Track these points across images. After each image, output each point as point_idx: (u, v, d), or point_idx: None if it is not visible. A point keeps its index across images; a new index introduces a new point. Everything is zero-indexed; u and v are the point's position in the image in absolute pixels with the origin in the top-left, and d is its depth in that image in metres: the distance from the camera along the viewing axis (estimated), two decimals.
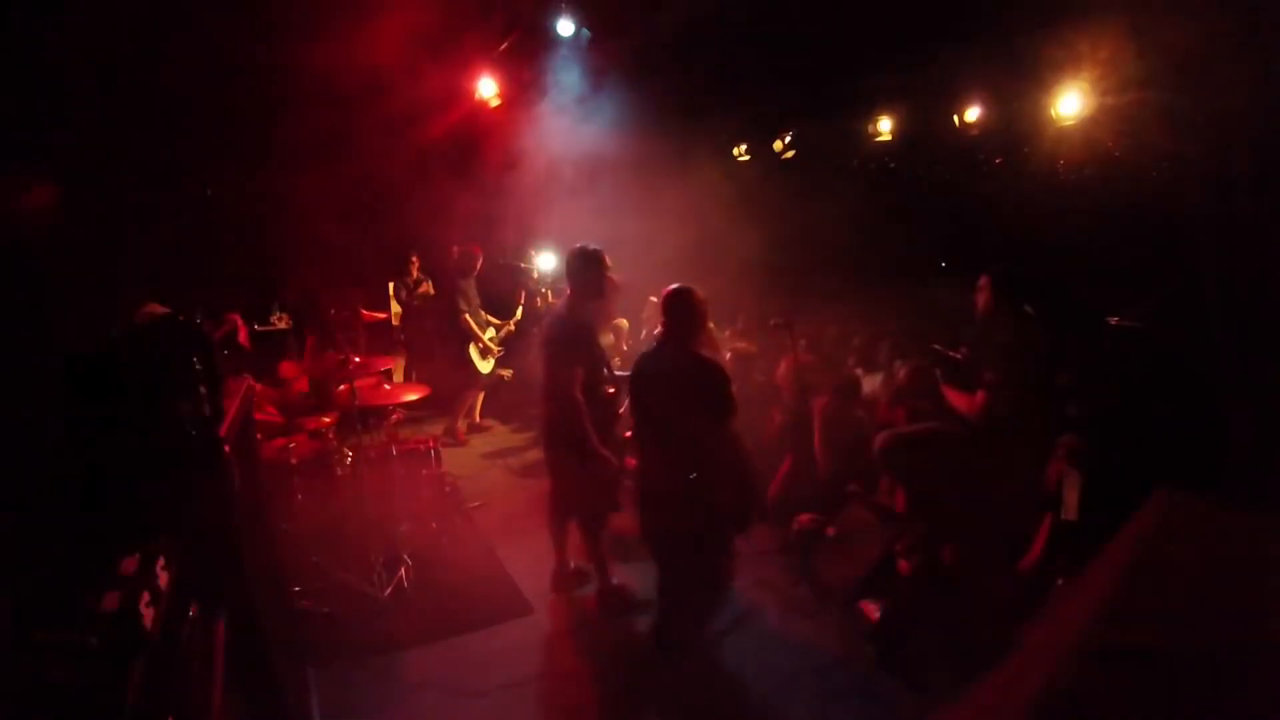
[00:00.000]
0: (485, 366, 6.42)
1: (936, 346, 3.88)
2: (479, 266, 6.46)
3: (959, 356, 3.78)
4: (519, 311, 6.78)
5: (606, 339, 6.27)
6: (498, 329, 6.59)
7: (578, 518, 3.73)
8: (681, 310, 3.17)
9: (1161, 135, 4.69)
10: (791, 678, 3.16)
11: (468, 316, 6.30)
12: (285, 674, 2.51)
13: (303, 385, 4.74)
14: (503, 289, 6.88)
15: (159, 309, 3.28)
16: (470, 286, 6.42)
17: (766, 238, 6.72)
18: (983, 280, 3.69)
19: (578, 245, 3.50)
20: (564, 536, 3.86)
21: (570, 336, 3.43)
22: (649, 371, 3.21)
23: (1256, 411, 3.06)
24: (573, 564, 3.90)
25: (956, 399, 3.61)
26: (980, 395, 3.47)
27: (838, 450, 4.20)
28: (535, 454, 5.78)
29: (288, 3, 4.64)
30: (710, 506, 3.08)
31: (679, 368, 3.10)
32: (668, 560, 3.29)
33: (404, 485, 4.25)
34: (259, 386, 4.21)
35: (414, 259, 7.60)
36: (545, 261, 6.95)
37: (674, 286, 3.19)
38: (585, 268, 3.47)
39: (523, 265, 7.04)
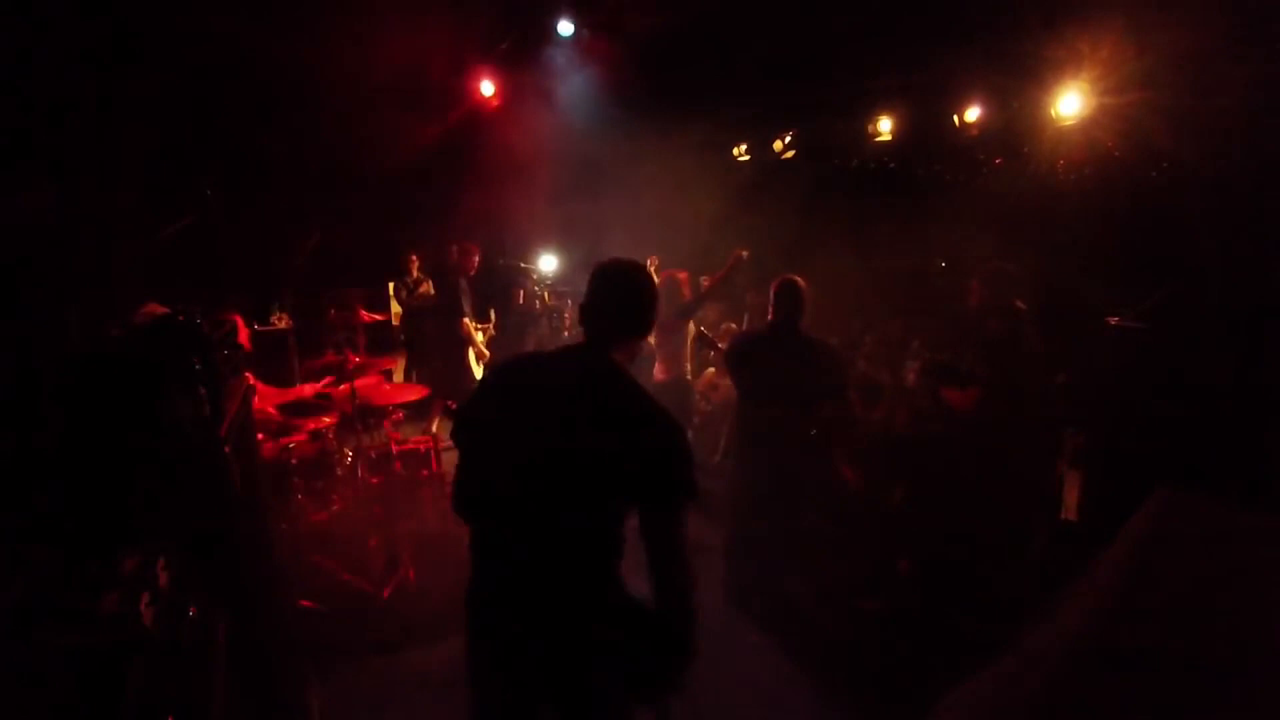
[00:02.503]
0: (479, 372, 6.17)
1: (925, 355, 3.90)
2: (475, 266, 6.27)
3: (947, 360, 3.80)
4: (492, 315, 6.51)
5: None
6: (484, 333, 6.34)
7: None
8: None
9: (1161, 135, 4.69)
10: (791, 678, 3.16)
11: (468, 320, 6.07)
12: (285, 674, 2.51)
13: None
14: (500, 289, 6.86)
15: (159, 309, 3.28)
16: (468, 287, 6.17)
17: (766, 237, 6.72)
18: (974, 282, 3.69)
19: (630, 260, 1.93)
20: None
21: (684, 439, 1.76)
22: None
23: (1256, 411, 3.05)
24: None
25: (952, 396, 3.61)
26: (973, 391, 3.47)
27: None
28: None
29: (288, 3, 4.64)
30: None
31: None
32: None
33: (404, 485, 4.25)
34: (260, 386, 4.21)
35: (414, 259, 7.60)
36: (545, 262, 6.95)
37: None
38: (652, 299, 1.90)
39: (522, 265, 7.03)
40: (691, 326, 5.12)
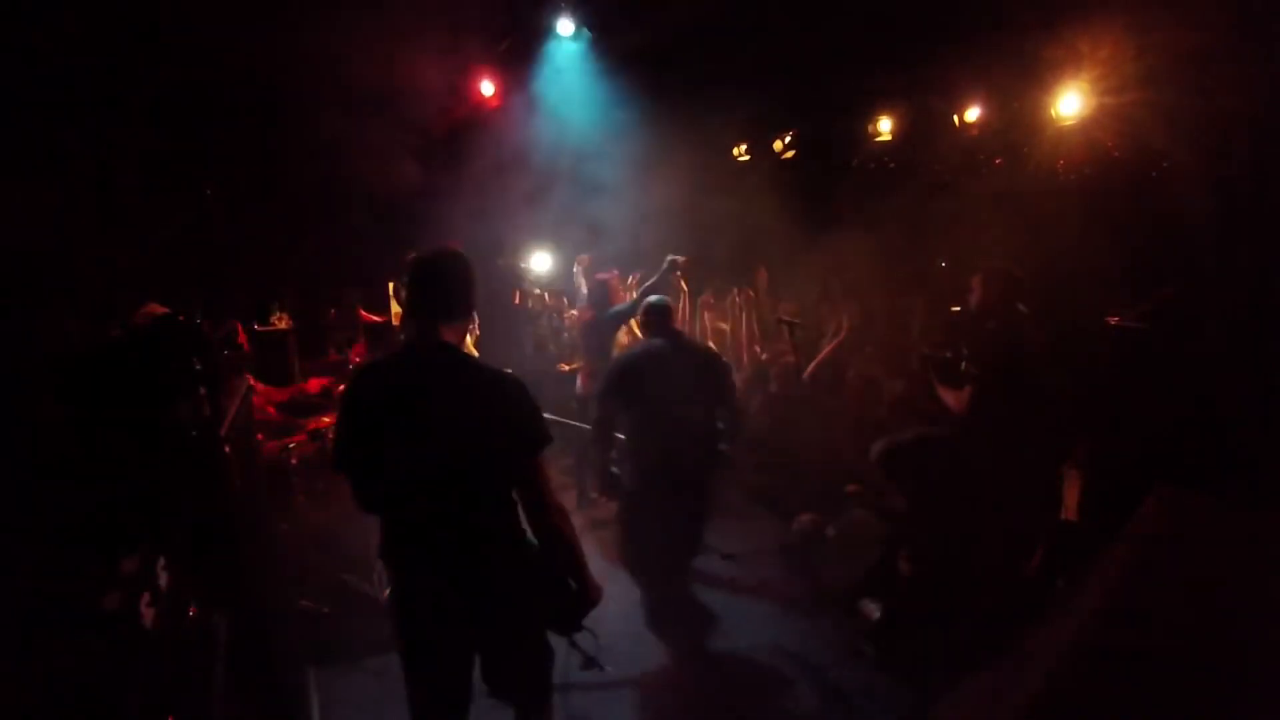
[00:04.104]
0: None
1: (925, 351, 3.86)
2: None
3: (949, 356, 3.75)
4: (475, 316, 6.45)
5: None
6: (470, 334, 6.31)
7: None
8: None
9: (1161, 135, 4.69)
10: (792, 678, 3.16)
11: (473, 326, 5.99)
12: (285, 674, 2.51)
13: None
14: (498, 288, 6.82)
15: (159, 309, 3.28)
16: None
17: (766, 238, 6.73)
18: (975, 280, 3.65)
19: (443, 247, 2.06)
20: None
21: (528, 391, 1.98)
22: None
23: (1256, 411, 3.06)
24: None
25: (946, 396, 3.58)
26: (966, 390, 3.44)
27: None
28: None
29: (288, 3, 4.64)
30: None
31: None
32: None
33: None
34: (260, 386, 4.21)
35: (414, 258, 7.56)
36: (542, 262, 6.94)
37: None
38: (469, 280, 2.02)
39: (521, 265, 7.01)
40: (623, 336, 4.81)
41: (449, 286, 1.97)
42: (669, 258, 4.36)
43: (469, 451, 1.85)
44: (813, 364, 4.90)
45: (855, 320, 5.13)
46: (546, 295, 6.94)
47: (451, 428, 1.83)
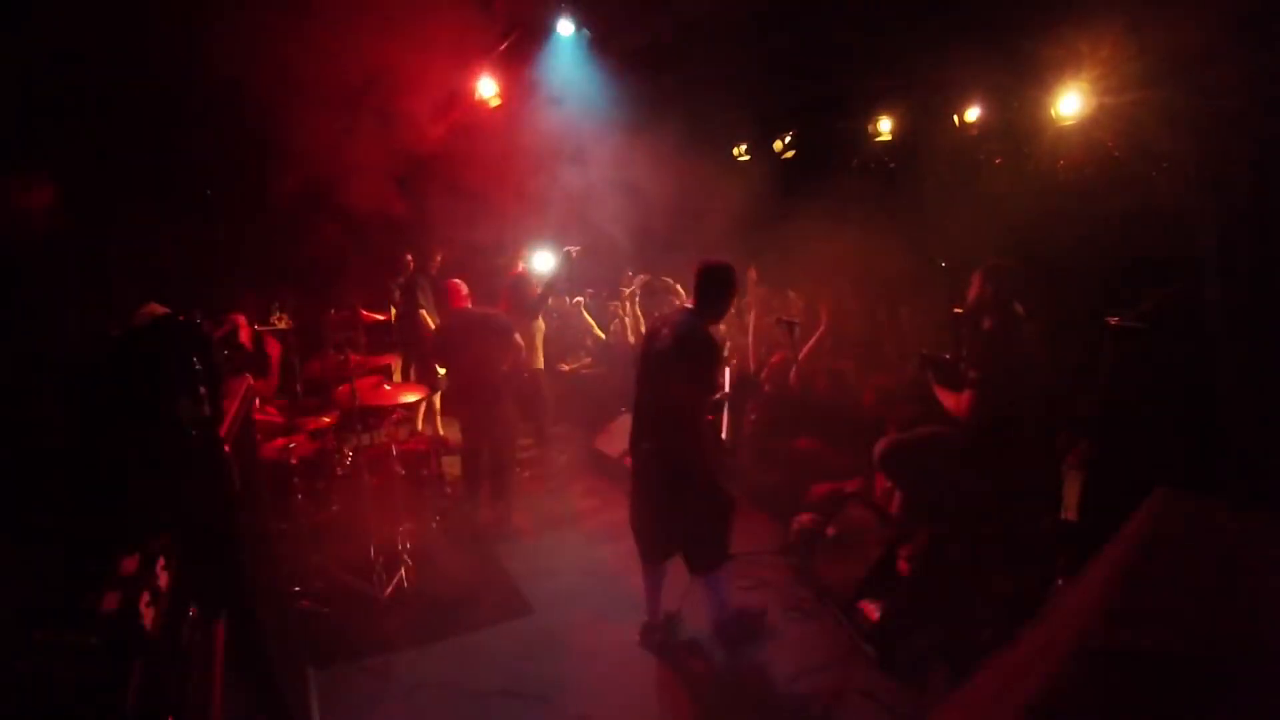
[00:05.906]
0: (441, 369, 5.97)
1: (924, 351, 3.85)
2: (437, 263, 6.64)
3: (948, 357, 3.73)
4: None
5: None
6: None
7: (698, 565, 3.36)
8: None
9: (1161, 135, 4.68)
10: (791, 678, 3.16)
11: (424, 312, 6.30)
12: (285, 674, 2.51)
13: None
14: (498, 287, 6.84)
15: (159, 309, 3.28)
16: (427, 284, 6.53)
17: (766, 238, 6.72)
18: (974, 277, 3.62)
19: (716, 261, 3.25)
20: (660, 583, 3.48)
21: (714, 354, 3.29)
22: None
23: (1256, 411, 3.06)
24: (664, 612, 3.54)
25: (946, 399, 3.56)
26: (966, 394, 3.43)
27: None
28: (532, 452, 5.77)
29: (287, 3, 4.64)
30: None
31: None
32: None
33: (404, 485, 4.25)
34: (260, 387, 4.21)
35: (409, 259, 7.56)
36: (541, 261, 6.94)
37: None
38: (724, 287, 3.25)
39: (521, 265, 7.01)
40: (541, 323, 5.49)
41: (706, 289, 3.19)
42: (564, 249, 4.68)
43: (674, 383, 3.08)
44: (798, 363, 4.89)
45: (831, 318, 5.15)
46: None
47: (670, 365, 3.09)
